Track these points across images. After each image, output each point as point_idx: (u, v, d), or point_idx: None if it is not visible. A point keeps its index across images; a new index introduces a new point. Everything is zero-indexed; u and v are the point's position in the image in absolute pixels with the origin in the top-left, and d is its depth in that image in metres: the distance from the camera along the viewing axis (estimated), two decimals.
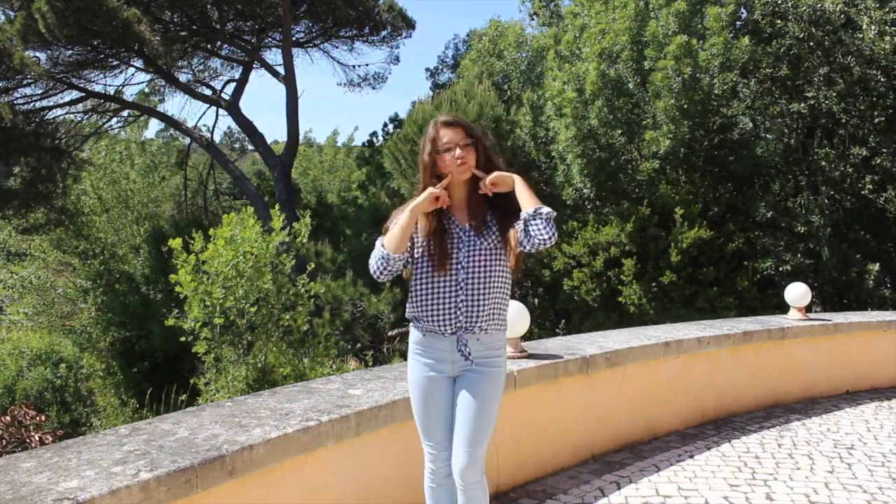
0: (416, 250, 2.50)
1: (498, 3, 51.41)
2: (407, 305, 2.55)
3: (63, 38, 12.27)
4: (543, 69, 11.87)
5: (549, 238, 2.36)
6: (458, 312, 2.44)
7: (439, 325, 2.46)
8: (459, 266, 2.45)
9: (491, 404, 2.47)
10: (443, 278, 2.45)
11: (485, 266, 2.46)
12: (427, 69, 20.88)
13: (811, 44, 9.28)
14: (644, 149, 9.56)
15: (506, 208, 2.49)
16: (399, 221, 2.44)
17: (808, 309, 5.94)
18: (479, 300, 2.44)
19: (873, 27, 8.77)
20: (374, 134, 18.11)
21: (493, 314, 2.48)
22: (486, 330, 2.47)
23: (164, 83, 17.16)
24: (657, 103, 9.04)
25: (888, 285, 9.52)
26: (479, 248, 2.46)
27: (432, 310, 2.46)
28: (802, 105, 9.40)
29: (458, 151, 2.46)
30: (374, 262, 2.48)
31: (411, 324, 2.56)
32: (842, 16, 9.07)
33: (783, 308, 6.10)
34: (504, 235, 2.48)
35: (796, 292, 5.69)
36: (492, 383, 2.49)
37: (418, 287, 2.50)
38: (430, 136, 2.50)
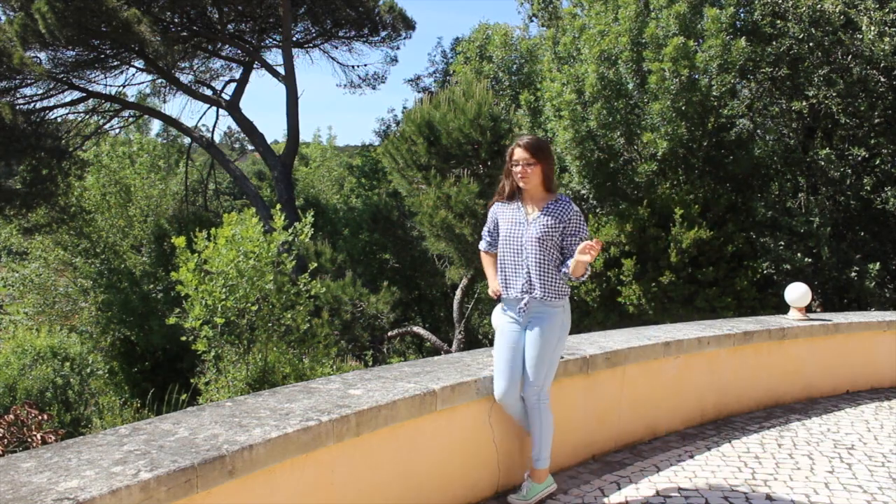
0: None
1: (497, 4, 51.44)
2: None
3: (63, 38, 12.28)
4: (537, 70, 11.87)
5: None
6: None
7: None
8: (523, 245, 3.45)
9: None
10: None
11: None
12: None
13: (811, 44, 9.28)
14: (644, 150, 9.56)
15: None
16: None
17: (808, 309, 5.94)
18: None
19: (873, 28, 8.77)
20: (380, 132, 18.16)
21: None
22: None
23: (164, 84, 17.18)
24: (653, 105, 9.04)
25: (888, 285, 9.52)
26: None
27: None
28: (802, 105, 9.41)
29: (519, 168, 3.36)
30: None
31: None
32: (841, 16, 9.07)
33: (782, 308, 6.10)
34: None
35: (797, 292, 5.69)
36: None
37: None
38: (508, 154, 3.43)
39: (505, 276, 3.44)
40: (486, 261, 3.68)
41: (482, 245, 3.68)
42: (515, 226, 3.39)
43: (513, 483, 3.66)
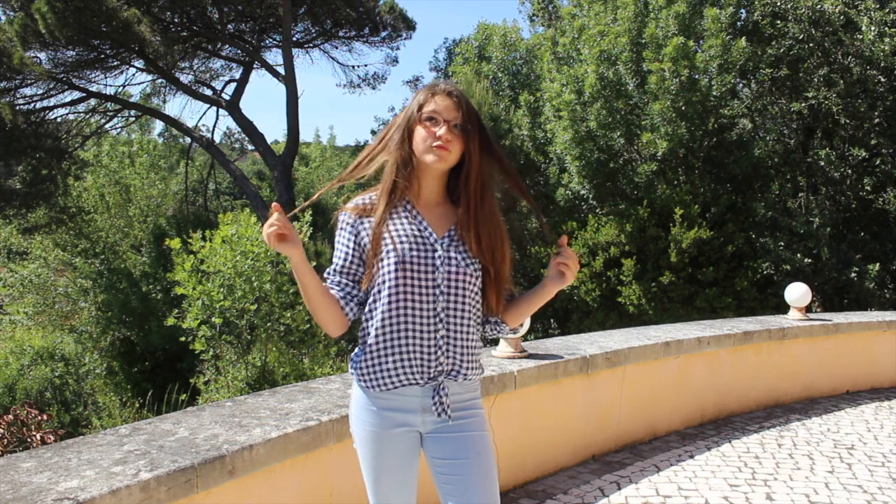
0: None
1: (498, 4, 51.47)
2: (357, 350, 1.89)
3: (63, 38, 12.28)
4: (538, 70, 11.87)
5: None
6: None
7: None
8: (438, 290, 1.82)
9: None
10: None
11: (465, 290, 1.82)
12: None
13: (811, 44, 9.28)
14: (643, 150, 9.56)
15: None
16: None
17: (808, 309, 5.94)
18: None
19: (873, 28, 8.78)
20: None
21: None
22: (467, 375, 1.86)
23: (164, 84, 17.18)
24: (653, 105, 9.04)
25: (888, 286, 9.52)
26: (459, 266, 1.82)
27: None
28: (802, 105, 9.41)
29: (443, 130, 1.74)
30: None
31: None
32: (841, 17, 9.08)
33: (782, 308, 6.10)
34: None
35: (797, 292, 5.69)
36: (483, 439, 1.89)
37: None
38: (417, 101, 1.80)
39: (407, 343, 1.81)
40: (325, 300, 1.82)
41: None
42: (421, 250, 1.80)
43: (513, 483, 3.66)
